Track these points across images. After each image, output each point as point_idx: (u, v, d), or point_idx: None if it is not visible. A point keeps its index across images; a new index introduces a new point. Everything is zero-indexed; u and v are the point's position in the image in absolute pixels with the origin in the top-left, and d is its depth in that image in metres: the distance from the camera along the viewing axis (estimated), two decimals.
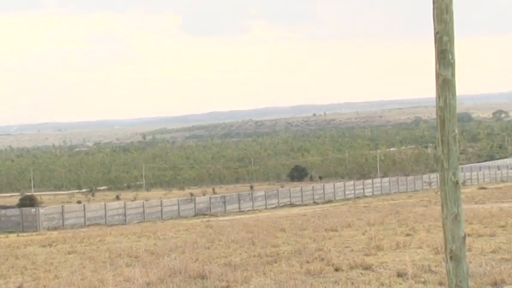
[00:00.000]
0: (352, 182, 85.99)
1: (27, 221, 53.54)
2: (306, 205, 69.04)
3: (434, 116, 5.34)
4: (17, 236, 39.12)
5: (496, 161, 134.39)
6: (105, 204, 61.04)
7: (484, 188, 66.00)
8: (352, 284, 10.31)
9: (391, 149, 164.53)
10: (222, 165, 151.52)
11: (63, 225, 53.61)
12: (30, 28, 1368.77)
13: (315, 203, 71.04)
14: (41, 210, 55.44)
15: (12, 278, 13.97)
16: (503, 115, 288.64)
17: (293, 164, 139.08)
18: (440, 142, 5.20)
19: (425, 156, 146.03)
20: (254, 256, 14.51)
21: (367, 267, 11.75)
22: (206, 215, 61.19)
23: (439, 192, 5.44)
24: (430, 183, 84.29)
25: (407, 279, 10.33)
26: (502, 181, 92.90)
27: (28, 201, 73.79)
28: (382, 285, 10.23)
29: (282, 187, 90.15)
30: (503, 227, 18.28)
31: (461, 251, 5.17)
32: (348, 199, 74.33)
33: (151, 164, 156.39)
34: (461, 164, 60.30)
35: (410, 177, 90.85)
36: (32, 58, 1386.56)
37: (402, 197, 62.71)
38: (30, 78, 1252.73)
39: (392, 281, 10.43)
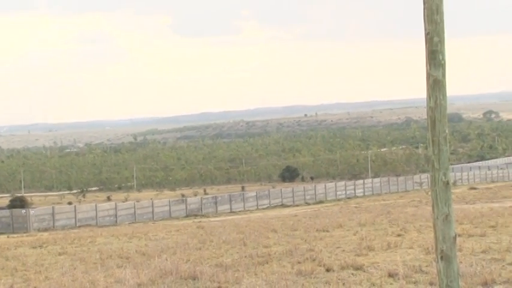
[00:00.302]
0: (343, 183, 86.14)
1: (18, 222, 53.38)
2: (297, 206, 69.11)
3: (425, 117, 5.36)
4: (7, 237, 38.90)
5: (486, 161, 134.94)
6: (96, 205, 61.00)
7: (474, 188, 66.21)
8: (344, 284, 10.32)
9: (382, 150, 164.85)
10: (213, 166, 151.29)
11: (53, 227, 53.48)
12: (21, 29, 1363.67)
13: (307, 204, 71.10)
14: (32, 212, 55.28)
15: (2, 280, 13.92)
16: (493, 115, 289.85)
17: (284, 165, 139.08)
18: (431, 142, 5.21)
19: (416, 156, 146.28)
20: (245, 257, 14.50)
21: (359, 268, 11.77)
22: (197, 215, 61.15)
23: (429, 193, 5.45)
24: (421, 184, 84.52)
25: (399, 279, 10.34)
26: (493, 181, 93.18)
27: (18, 203, 73.52)
28: (373, 285, 10.25)
29: (273, 188, 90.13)
30: (493, 227, 18.34)
31: (451, 251, 5.19)
32: (339, 199, 74.44)
33: (142, 164, 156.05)
34: (451, 164, 60.35)
35: (401, 178, 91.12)
36: (22, 59, 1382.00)
37: (393, 198, 62.79)
38: (21, 79, 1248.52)
39: (383, 281, 10.45)
